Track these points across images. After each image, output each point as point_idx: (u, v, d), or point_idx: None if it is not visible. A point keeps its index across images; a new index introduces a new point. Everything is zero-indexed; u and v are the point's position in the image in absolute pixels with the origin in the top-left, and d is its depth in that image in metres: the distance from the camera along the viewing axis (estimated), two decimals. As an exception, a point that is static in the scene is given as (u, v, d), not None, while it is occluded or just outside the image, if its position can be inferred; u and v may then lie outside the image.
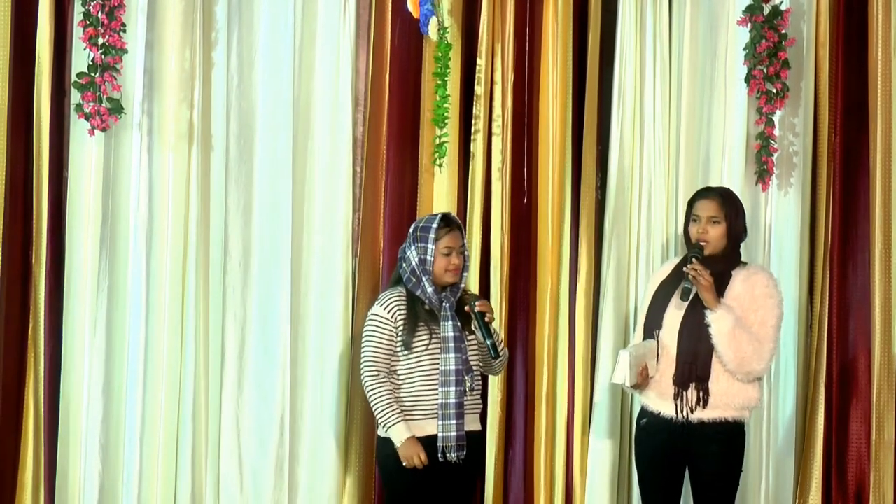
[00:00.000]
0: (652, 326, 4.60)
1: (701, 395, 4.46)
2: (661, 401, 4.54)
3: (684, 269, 4.50)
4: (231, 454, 5.37)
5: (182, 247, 5.32)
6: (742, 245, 4.68)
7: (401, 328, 4.37)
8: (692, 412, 4.47)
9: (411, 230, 4.47)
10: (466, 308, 4.45)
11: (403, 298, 4.41)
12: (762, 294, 4.50)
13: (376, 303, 4.46)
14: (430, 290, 4.38)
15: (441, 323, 4.39)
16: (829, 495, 5.43)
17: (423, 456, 4.31)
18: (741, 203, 4.69)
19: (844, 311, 5.43)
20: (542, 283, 5.50)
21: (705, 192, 4.67)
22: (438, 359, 4.37)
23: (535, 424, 5.48)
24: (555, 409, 5.48)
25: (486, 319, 4.42)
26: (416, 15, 5.10)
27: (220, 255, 5.37)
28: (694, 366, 4.47)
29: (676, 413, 4.49)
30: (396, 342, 4.38)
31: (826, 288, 5.44)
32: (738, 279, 4.54)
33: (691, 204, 4.66)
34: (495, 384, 5.41)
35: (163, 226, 5.31)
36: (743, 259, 4.69)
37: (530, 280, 5.52)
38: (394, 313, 4.38)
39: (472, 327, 4.48)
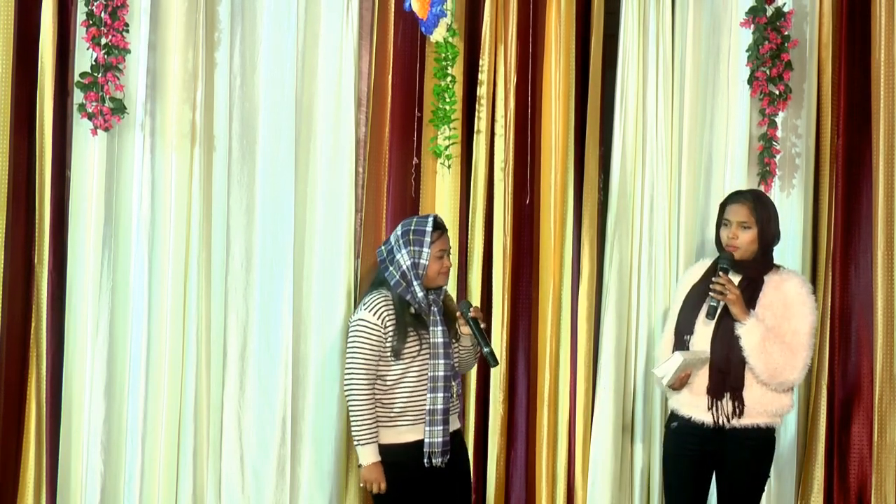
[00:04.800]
0: (683, 331, 4.57)
1: (736, 404, 4.44)
2: (693, 406, 4.51)
3: (710, 285, 4.46)
4: (233, 455, 5.38)
5: (184, 247, 5.33)
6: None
7: (390, 334, 4.34)
8: (728, 421, 4.45)
9: (400, 233, 4.43)
10: (458, 314, 4.43)
11: (391, 303, 4.37)
12: (795, 301, 4.44)
13: (362, 307, 4.39)
14: (420, 294, 4.35)
15: (430, 328, 4.37)
16: (831, 497, 5.43)
17: (383, 485, 4.33)
18: (774, 207, 4.63)
19: (847, 312, 5.43)
20: (544, 284, 5.50)
21: (737, 196, 4.59)
22: (426, 365, 4.36)
23: (537, 425, 5.48)
24: (556, 409, 5.49)
25: (482, 325, 4.41)
26: (422, 16, 5.09)
27: (222, 255, 5.37)
28: (728, 375, 4.44)
29: (714, 422, 4.47)
30: (385, 348, 4.35)
31: (828, 289, 5.43)
32: (771, 286, 4.47)
33: (723, 208, 4.60)
34: (497, 384, 5.41)
35: (165, 226, 5.32)
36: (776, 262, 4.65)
37: (532, 281, 5.52)
38: (383, 318, 4.34)
39: (459, 330, 4.46)
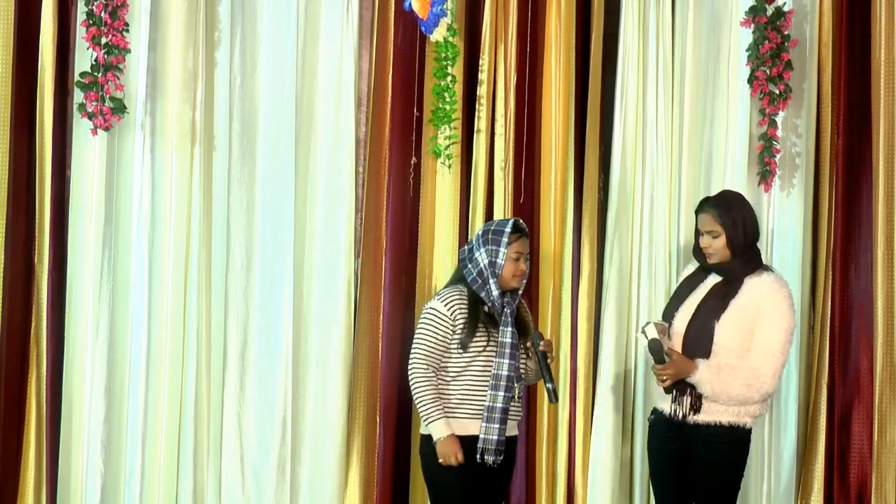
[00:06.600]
0: (667, 320, 4.61)
1: (693, 401, 4.46)
2: (663, 399, 4.55)
3: (653, 370, 4.47)
4: (233, 454, 5.38)
5: (184, 247, 5.33)
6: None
7: (459, 327, 4.39)
8: (684, 417, 4.47)
9: (480, 233, 4.48)
10: (529, 345, 4.48)
11: (465, 298, 4.43)
12: (768, 308, 4.42)
13: (436, 298, 4.46)
14: (495, 292, 4.41)
15: (500, 328, 4.42)
16: (832, 497, 5.42)
17: (460, 455, 4.34)
18: (745, 207, 4.54)
19: (847, 312, 5.43)
20: (544, 284, 5.50)
21: (703, 205, 4.57)
22: (491, 362, 4.40)
23: (538, 424, 5.48)
24: (557, 409, 5.48)
25: (549, 361, 4.44)
26: (423, 15, 5.10)
27: (222, 255, 5.37)
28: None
29: (671, 414, 4.50)
30: (451, 340, 4.39)
31: (828, 289, 5.43)
32: (747, 288, 4.45)
33: (696, 216, 4.61)
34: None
35: (165, 226, 5.32)
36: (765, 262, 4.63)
37: (533, 280, 5.51)
38: (453, 311, 4.40)
39: (528, 354, 4.50)
